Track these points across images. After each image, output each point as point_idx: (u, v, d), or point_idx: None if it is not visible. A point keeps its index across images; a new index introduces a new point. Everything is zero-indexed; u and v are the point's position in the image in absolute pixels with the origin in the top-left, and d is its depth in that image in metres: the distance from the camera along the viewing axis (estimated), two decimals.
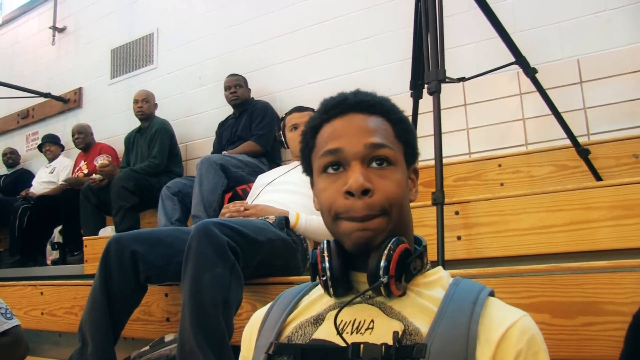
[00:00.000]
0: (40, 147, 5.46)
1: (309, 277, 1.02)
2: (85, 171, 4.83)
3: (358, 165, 0.89)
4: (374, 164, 0.90)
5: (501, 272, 1.52)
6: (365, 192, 0.87)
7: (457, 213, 2.14)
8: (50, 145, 5.38)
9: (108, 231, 4.04)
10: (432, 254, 1.69)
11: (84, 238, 3.63)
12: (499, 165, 2.85)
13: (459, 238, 2.12)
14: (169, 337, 2.00)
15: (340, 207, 0.89)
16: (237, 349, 1.66)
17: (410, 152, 0.98)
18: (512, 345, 0.79)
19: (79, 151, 5.11)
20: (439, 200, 1.97)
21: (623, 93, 2.94)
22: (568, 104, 2.87)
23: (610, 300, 1.38)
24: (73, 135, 5.01)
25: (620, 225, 1.88)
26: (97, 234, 4.00)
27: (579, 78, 3.06)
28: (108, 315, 1.97)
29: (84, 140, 4.99)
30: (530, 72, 2.43)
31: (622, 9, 3.02)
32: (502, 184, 2.81)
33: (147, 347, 2.00)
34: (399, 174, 0.92)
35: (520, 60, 2.42)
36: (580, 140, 2.56)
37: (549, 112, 2.53)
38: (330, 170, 0.92)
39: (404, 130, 0.96)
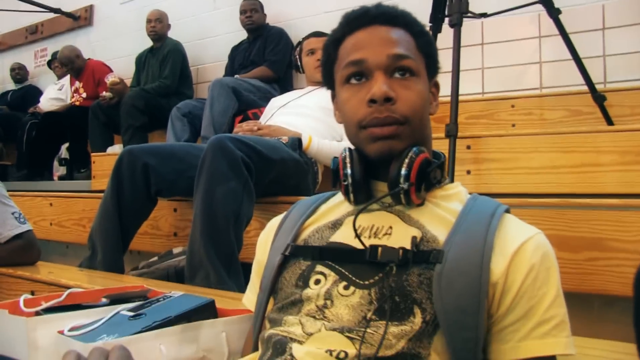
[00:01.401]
0: (49, 64, 5.41)
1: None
2: (84, 95, 4.78)
3: (381, 75, 0.89)
4: (397, 75, 0.91)
5: (510, 203, 1.53)
6: (388, 99, 0.88)
7: (468, 147, 2.15)
8: (57, 64, 5.31)
9: (116, 149, 4.06)
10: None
11: (92, 154, 3.65)
12: (512, 106, 2.84)
13: (468, 172, 2.13)
14: (177, 250, 2.04)
15: (364, 116, 0.90)
16: (245, 265, 1.71)
17: (432, 65, 0.98)
18: (526, 258, 0.81)
19: None
20: (452, 133, 1.97)
21: None
22: (587, 50, 2.81)
23: (615, 238, 1.40)
24: (62, 65, 4.93)
25: (630, 171, 1.89)
26: (104, 152, 4.02)
27: (602, 24, 3.00)
28: (118, 225, 2.01)
29: (73, 68, 4.86)
30: (554, 12, 2.39)
31: None
32: (513, 125, 2.80)
33: (155, 258, 2.04)
34: (420, 85, 0.92)
35: None
36: (597, 87, 2.54)
37: (567, 57, 2.50)
38: (353, 81, 0.93)
39: (426, 43, 0.96)
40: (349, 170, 0.92)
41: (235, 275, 1.72)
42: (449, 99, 2.04)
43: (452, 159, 1.93)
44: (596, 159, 1.95)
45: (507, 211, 0.91)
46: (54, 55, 5.35)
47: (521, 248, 0.82)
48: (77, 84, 4.88)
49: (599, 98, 2.48)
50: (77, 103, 4.80)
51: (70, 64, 4.83)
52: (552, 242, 1.40)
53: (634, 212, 1.41)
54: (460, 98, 2.08)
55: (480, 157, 2.12)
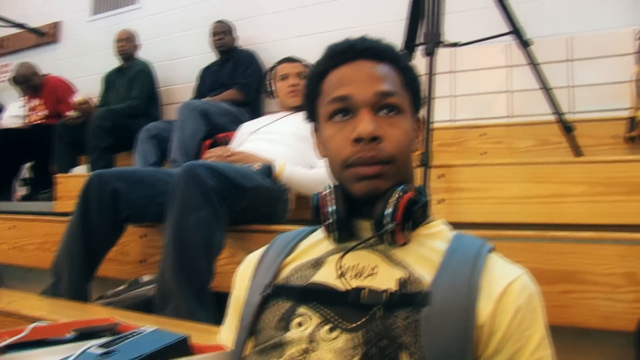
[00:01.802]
0: (15, 80, 5.28)
1: (290, 226, 1.02)
2: (45, 112, 4.65)
3: (367, 113, 0.88)
4: (383, 112, 0.90)
5: (485, 236, 1.54)
6: (374, 138, 0.87)
7: (441, 176, 2.16)
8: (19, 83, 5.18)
9: (81, 170, 3.98)
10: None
11: (56, 175, 3.56)
12: (482, 135, 2.87)
13: (441, 201, 2.14)
14: (146, 278, 1.99)
15: (349, 154, 0.88)
16: (217, 295, 1.68)
17: (417, 101, 0.97)
18: (512, 300, 0.80)
19: None
20: (425, 162, 1.98)
21: (609, 75, 2.97)
22: (555, 81, 2.87)
23: (590, 270, 1.42)
24: (17, 83, 4.75)
25: (599, 202, 1.92)
26: (69, 173, 3.93)
27: (568, 56, 3.08)
28: (85, 251, 1.95)
29: (30, 84, 4.68)
30: (525, 43, 2.43)
31: None
32: (484, 153, 2.83)
33: (123, 286, 1.98)
34: (406, 122, 0.92)
35: (516, 30, 2.42)
36: (565, 117, 2.59)
37: (535, 86, 2.54)
38: (337, 118, 0.91)
39: (411, 78, 0.96)
40: (332, 208, 0.90)
41: (207, 306, 1.68)
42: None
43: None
44: (565, 190, 1.97)
45: (492, 250, 0.90)
46: (14, 77, 5.22)
47: (507, 290, 0.81)
48: (35, 101, 4.74)
49: (567, 128, 2.52)
50: (37, 121, 4.67)
51: (26, 82, 4.69)
52: None
53: (607, 245, 1.43)
54: (432, 125, 2.10)
55: (452, 186, 2.13)
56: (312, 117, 1.00)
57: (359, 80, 0.90)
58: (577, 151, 2.53)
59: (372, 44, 0.94)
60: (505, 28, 2.43)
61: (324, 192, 0.93)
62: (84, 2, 5.39)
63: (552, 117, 2.56)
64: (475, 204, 2.09)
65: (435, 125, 3.03)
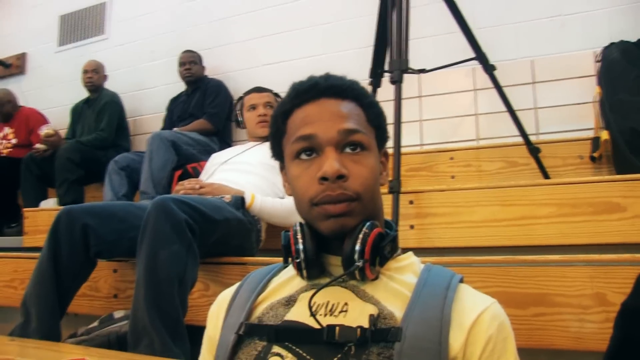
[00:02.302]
0: None
1: (262, 257, 1.02)
2: (14, 141, 4.61)
3: (332, 151, 0.89)
4: (348, 150, 0.91)
5: (456, 262, 1.56)
6: (340, 177, 0.88)
7: (411, 202, 2.18)
8: None
9: (50, 203, 3.92)
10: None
11: (24, 209, 3.50)
12: (451, 158, 2.91)
13: (411, 227, 2.15)
14: (118, 314, 1.96)
15: (316, 193, 0.89)
16: (190, 328, 1.66)
17: (382, 136, 0.99)
18: (483, 330, 0.81)
19: None
20: (395, 189, 1.99)
21: (572, 96, 3.05)
22: (520, 103, 2.93)
23: (560, 293, 1.43)
24: None
25: (567, 222, 1.96)
26: (37, 206, 3.87)
27: (532, 78, 3.14)
28: (55, 289, 1.91)
29: (1, 112, 4.64)
30: (489, 68, 2.48)
31: (575, 15, 3.14)
32: (453, 177, 2.86)
33: (95, 323, 1.95)
34: (372, 158, 0.93)
35: (480, 56, 2.46)
36: (530, 139, 2.63)
37: (501, 109, 2.59)
38: (303, 156, 0.92)
39: (375, 115, 0.97)
40: (300, 246, 0.91)
41: (181, 341, 1.65)
42: (391, 152, 2.06)
43: (395, 215, 1.94)
44: (534, 212, 2.01)
45: (462, 280, 0.91)
46: None
47: (478, 320, 0.82)
48: (6, 129, 4.69)
49: (534, 150, 2.57)
50: (5, 151, 4.62)
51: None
52: (499, 298, 1.42)
53: (576, 267, 1.45)
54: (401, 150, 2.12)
55: (422, 212, 2.15)
56: (279, 155, 1.01)
57: (322, 119, 0.91)
58: (545, 173, 2.58)
59: (335, 82, 0.95)
60: (470, 52, 2.48)
61: (291, 231, 0.93)
62: (51, 33, 5.36)
63: (519, 139, 2.61)
64: (445, 228, 2.11)
65: (404, 150, 3.07)
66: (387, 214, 1.93)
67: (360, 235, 0.87)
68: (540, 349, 1.45)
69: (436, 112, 3.35)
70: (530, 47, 3.19)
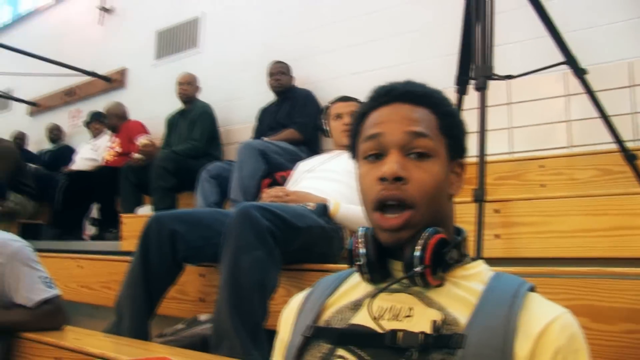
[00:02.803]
0: (87, 124, 5.56)
1: (345, 265, 1.03)
2: (119, 150, 4.90)
3: (396, 154, 0.90)
4: (413, 155, 0.91)
5: (540, 272, 1.51)
6: (399, 179, 0.88)
7: (497, 211, 2.12)
8: (96, 123, 5.47)
9: (146, 210, 4.10)
10: (469, 251, 1.68)
11: (121, 215, 3.69)
12: (541, 166, 2.81)
13: (497, 236, 2.10)
14: (203, 317, 2.03)
15: (376, 193, 0.90)
16: (270, 333, 1.69)
17: (455, 146, 0.97)
18: (551, 340, 0.78)
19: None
20: (479, 198, 1.95)
21: None
22: (616, 108, 2.79)
23: None
24: (102, 118, 5.12)
25: None
26: (134, 212, 4.06)
27: (629, 81, 2.99)
28: (145, 291, 2.01)
29: (109, 123, 5.13)
30: (580, 72, 2.39)
31: None
32: (543, 185, 2.76)
33: (181, 325, 2.02)
34: (437, 167, 0.92)
35: (570, 60, 2.37)
36: (628, 145, 2.51)
37: (595, 115, 2.48)
38: (371, 158, 0.94)
39: (449, 124, 0.95)
40: (362, 251, 0.92)
41: (261, 345, 1.69)
42: (474, 160, 2.02)
43: (479, 224, 1.90)
44: (630, 222, 1.91)
45: (533, 289, 0.88)
46: (94, 115, 5.52)
47: (546, 329, 0.79)
48: (115, 139, 5.04)
49: (630, 157, 2.44)
50: (109, 158, 4.91)
51: (108, 120, 5.09)
52: (584, 312, 1.37)
53: None
54: (488, 159, 2.06)
55: (509, 221, 2.10)
56: (355, 155, 1.02)
57: (392, 121, 0.92)
58: None
59: (412, 88, 0.96)
60: (560, 57, 2.39)
61: (356, 234, 0.94)
62: (148, 48, 5.66)
63: (614, 146, 2.49)
64: (532, 238, 2.04)
65: (493, 158, 3.01)
66: (471, 223, 1.91)
67: (421, 242, 0.87)
68: None
69: (526, 119, 3.25)
70: (626, 49, 3.03)
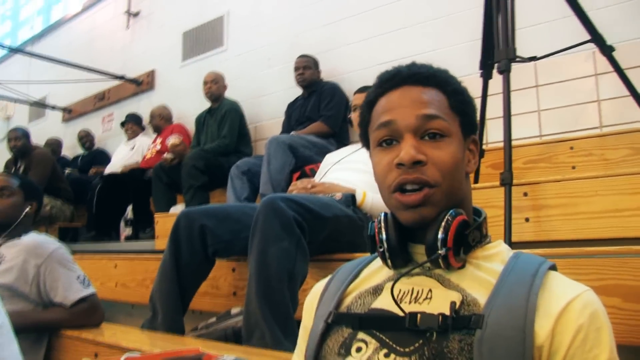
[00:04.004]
0: (122, 124, 5.66)
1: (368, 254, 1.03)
2: (158, 147, 4.98)
3: (411, 138, 0.89)
4: (427, 137, 0.90)
5: (570, 253, 1.48)
6: (418, 162, 0.87)
7: (525, 194, 2.10)
8: (132, 125, 5.58)
9: (179, 209, 4.14)
10: (499, 235, 1.66)
11: (155, 215, 3.74)
12: (571, 148, 2.76)
13: (527, 220, 2.07)
14: (235, 310, 2.05)
15: (393, 178, 0.89)
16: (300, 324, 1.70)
17: (468, 123, 0.96)
18: (573, 319, 0.77)
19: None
20: (507, 181, 1.93)
21: None
22: None
23: None
24: (151, 118, 5.26)
25: None
26: (167, 212, 4.12)
27: None
28: (177, 286, 2.04)
29: (152, 123, 5.25)
30: (607, 50, 2.34)
31: None
32: (573, 167, 2.72)
33: (213, 319, 2.05)
34: (453, 145, 0.91)
35: (596, 38, 2.33)
36: None
37: (626, 93, 2.43)
38: (384, 144, 0.93)
39: (460, 102, 0.94)
40: (384, 236, 0.92)
41: (291, 334, 1.70)
42: (502, 144, 2.00)
43: (508, 207, 1.88)
44: None
45: (553, 268, 0.87)
46: (129, 117, 5.63)
47: (567, 307, 0.78)
48: (158, 139, 5.14)
49: None
50: (149, 155, 5.02)
51: (151, 120, 5.23)
52: (616, 292, 1.35)
53: None
54: (517, 142, 2.04)
55: (538, 204, 2.07)
56: (367, 144, 1.02)
57: (402, 106, 0.91)
58: None
59: (418, 70, 0.95)
60: (586, 36, 2.35)
61: (376, 220, 0.94)
62: (175, 49, 5.72)
63: None
64: (563, 220, 2.01)
65: (522, 142, 2.98)
66: (500, 207, 1.89)
67: (443, 223, 0.86)
68: None
69: (555, 101, 3.19)
70: None
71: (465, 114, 0.95)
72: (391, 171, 0.90)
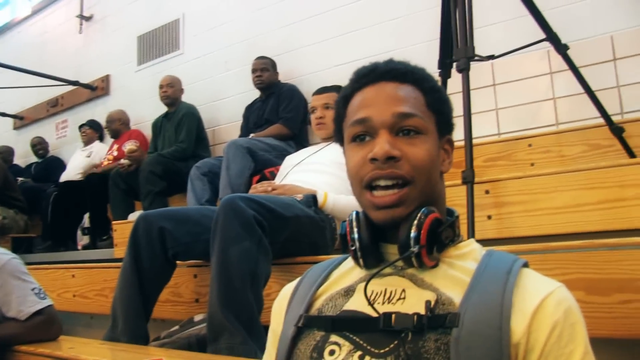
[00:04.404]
0: (80, 128, 5.54)
1: (337, 255, 1.01)
2: (115, 153, 4.88)
3: (386, 134, 0.88)
4: (402, 134, 0.89)
5: (534, 249, 1.49)
6: (392, 158, 0.86)
7: (487, 192, 2.11)
8: (88, 129, 5.47)
9: (137, 216, 4.07)
10: (462, 234, 1.66)
11: (113, 222, 3.66)
12: (529, 145, 2.80)
13: (489, 217, 2.09)
14: (198, 317, 2.01)
15: (366, 173, 0.88)
16: (267, 328, 1.67)
17: (444, 122, 0.95)
18: (548, 315, 0.77)
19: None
20: (468, 179, 1.94)
21: None
22: (601, 82, 2.78)
23: None
24: (107, 123, 5.13)
25: None
26: (126, 219, 4.03)
27: (612, 55, 2.98)
28: (139, 291, 1.99)
29: (111, 127, 5.10)
30: (562, 48, 2.38)
31: None
32: (532, 164, 2.76)
33: (176, 327, 2.01)
34: (429, 143, 0.90)
35: (551, 36, 2.36)
36: (614, 119, 2.50)
37: (581, 90, 2.48)
38: (359, 140, 0.91)
39: (436, 100, 0.94)
40: (356, 235, 0.90)
41: (258, 337, 1.67)
42: (463, 143, 2.01)
43: (470, 205, 1.89)
44: (620, 194, 1.90)
45: (526, 265, 0.87)
46: (88, 122, 5.53)
47: (542, 304, 0.77)
48: (114, 145, 5.03)
49: (616, 130, 2.44)
50: (106, 163, 4.90)
51: (110, 124, 5.09)
52: (580, 285, 1.36)
53: None
54: (477, 141, 2.05)
55: (500, 201, 2.08)
56: (341, 140, 1.00)
57: (378, 103, 0.90)
58: (630, 153, 2.44)
59: (395, 66, 0.94)
60: (542, 34, 2.38)
61: (348, 219, 0.92)
62: (130, 53, 5.62)
63: (601, 120, 2.48)
64: (525, 217, 2.03)
65: (481, 140, 3.00)
66: (462, 206, 1.89)
67: (416, 221, 0.85)
68: (626, 339, 1.36)
69: (512, 99, 3.24)
70: (608, 23, 3.01)
71: (441, 113, 0.94)
72: (364, 166, 0.88)
